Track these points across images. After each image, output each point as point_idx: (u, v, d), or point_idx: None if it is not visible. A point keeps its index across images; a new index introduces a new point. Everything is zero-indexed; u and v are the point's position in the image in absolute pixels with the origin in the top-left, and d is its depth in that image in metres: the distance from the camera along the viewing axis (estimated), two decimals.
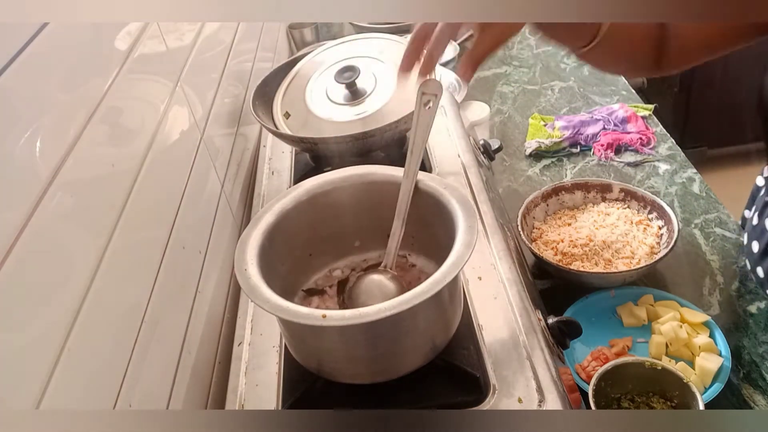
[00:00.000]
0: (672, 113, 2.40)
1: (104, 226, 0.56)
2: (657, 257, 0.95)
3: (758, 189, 1.03)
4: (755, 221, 0.97)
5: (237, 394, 0.66)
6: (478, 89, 1.55)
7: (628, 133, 1.31)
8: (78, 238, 0.52)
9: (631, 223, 1.02)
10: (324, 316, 0.53)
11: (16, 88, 0.47)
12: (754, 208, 1.00)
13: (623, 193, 1.07)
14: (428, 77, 0.65)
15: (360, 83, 0.99)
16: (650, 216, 1.03)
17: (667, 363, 0.80)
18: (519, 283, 0.73)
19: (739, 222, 1.09)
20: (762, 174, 1.02)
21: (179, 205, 0.74)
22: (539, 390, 0.61)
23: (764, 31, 0.69)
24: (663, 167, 1.23)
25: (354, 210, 0.72)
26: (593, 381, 0.75)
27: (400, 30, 1.39)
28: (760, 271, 0.95)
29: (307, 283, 0.73)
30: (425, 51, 0.63)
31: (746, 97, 2.51)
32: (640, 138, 1.29)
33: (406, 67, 0.64)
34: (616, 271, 0.95)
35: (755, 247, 0.95)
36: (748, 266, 0.98)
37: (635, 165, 1.25)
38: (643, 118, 1.35)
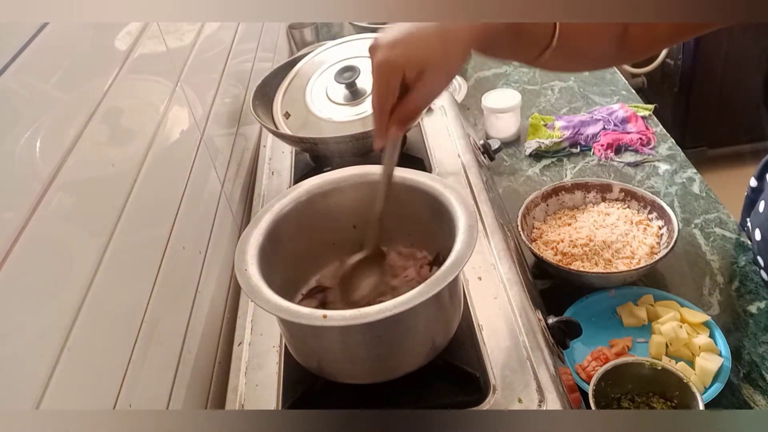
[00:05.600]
0: (672, 113, 2.40)
1: (104, 226, 0.56)
2: (657, 257, 0.95)
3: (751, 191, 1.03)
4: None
5: (237, 394, 0.66)
6: (479, 89, 1.55)
7: (628, 133, 1.31)
8: (78, 238, 0.52)
9: (631, 223, 1.02)
10: (324, 317, 0.53)
11: (16, 88, 0.47)
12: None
13: (623, 193, 1.07)
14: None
15: (360, 83, 0.99)
16: (650, 216, 1.03)
17: (667, 363, 0.80)
18: (519, 283, 0.73)
19: (740, 222, 1.08)
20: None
21: (179, 205, 0.74)
22: (539, 390, 0.61)
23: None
24: (663, 167, 1.23)
25: (354, 210, 0.72)
26: (593, 381, 0.75)
27: None
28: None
29: (308, 283, 0.73)
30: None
31: (746, 97, 2.51)
32: (640, 138, 1.29)
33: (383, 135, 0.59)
34: (616, 271, 0.95)
35: (758, 235, 0.95)
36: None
37: (635, 165, 1.25)
38: (643, 118, 1.35)
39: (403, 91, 0.57)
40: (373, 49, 0.57)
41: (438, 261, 0.69)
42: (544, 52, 0.65)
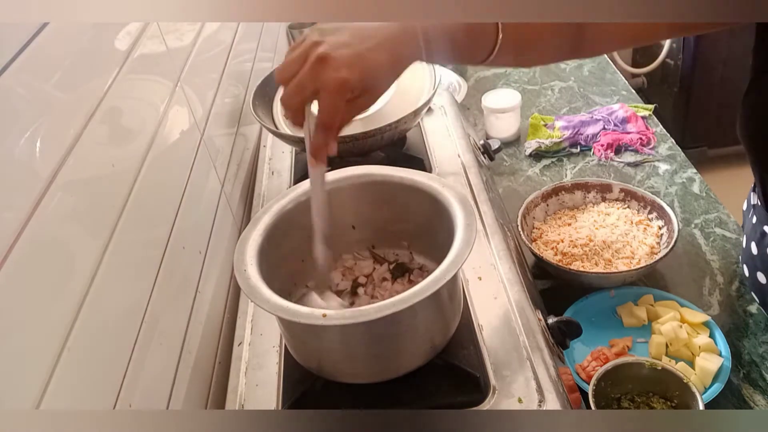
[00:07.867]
0: (672, 113, 2.40)
1: (104, 226, 0.56)
2: (657, 257, 0.95)
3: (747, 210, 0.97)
4: (754, 251, 0.92)
5: (237, 394, 0.66)
6: (479, 89, 1.55)
7: (628, 133, 1.31)
8: (78, 238, 0.52)
9: (631, 223, 1.02)
10: (324, 316, 0.53)
11: (16, 88, 0.47)
12: (745, 237, 0.96)
13: (623, 193, 1.07)
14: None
15: None
16: (650, 216, 1.03)
17: (667, 363, 0.80)
18: (519, 283, 0.73)
19: (741, 224, 1.06)
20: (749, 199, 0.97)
21: (179, 205, 0.74)
22: (539, 390, 0.61)
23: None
24: (663, 167, 1.23)
25: (354, 210, 0.72)
26: (593, 381, 0.75)
27: None
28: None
29: (306, 284, 0.73)
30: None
31: None
32: (640, 138, 1.29)
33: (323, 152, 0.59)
34: (616, 271, 0.95)
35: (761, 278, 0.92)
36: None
37: (635, 165, 1.25)
38: (643, 118, 1.35)
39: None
40: (323, 62, 0.57)
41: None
42: (490, 55, 0.65)
